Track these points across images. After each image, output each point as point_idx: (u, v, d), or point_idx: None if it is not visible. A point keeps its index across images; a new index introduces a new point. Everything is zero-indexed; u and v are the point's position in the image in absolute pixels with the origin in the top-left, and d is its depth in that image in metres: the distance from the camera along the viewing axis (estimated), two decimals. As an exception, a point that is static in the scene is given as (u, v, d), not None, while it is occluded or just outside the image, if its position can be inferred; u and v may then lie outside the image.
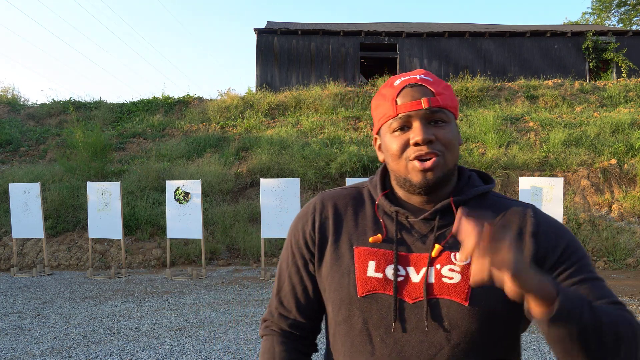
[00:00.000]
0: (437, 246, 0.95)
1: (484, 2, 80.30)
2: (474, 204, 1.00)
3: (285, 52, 18.44)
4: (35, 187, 8.71)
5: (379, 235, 0.99)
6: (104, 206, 8.48)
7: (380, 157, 1.05)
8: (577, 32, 18.66)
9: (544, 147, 11.35)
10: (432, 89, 0.96)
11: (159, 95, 17.24)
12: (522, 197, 7.87)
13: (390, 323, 0.93)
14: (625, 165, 10.68)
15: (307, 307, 1.06)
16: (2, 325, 5.47)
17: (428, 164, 0.93)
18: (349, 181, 8.08)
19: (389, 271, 0.95)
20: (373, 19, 59.40)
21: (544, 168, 10.80)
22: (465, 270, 0.92)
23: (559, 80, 16.37)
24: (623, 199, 10.13)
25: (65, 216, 10.14)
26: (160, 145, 13.10)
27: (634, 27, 28.96)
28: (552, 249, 0.95)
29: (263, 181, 8.31)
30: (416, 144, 0.94)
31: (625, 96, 15.03)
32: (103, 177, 11.51)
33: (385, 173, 1.08)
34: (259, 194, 8.40)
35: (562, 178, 8.03)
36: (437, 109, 0.95)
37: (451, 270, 0.93)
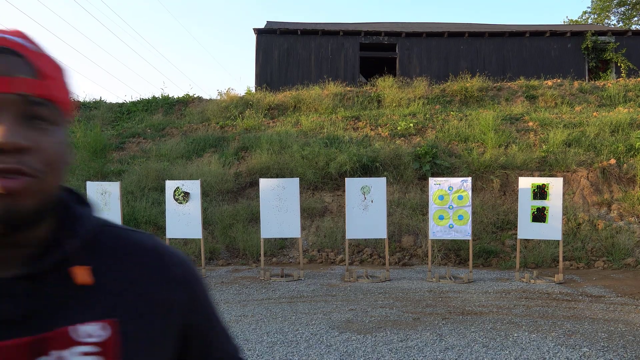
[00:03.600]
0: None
1: (483, 2, 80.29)
2: (93, 249, 0.67)
3: (284, 52, 18.45)
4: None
5: None
6: (104, 206, 8.48)
7: None
8: (577, 32, 18.68)
9: (544, 147, 11.36)
10: (36, 66, 0.59)
11: (158, 95, 17.26)
12: (521, 197, 7.88)
13: None
14: (625, 165, 10.69)
15: None
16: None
17: (13, 184, 0.55)
18: (349, 181, 8.08)
19: None
20: (372, 18, 59.46)
21: (544, 168, 10.81)
22: (107, 347, 0.60)
23: (559, 80, 16.39)
24: (622, 198, 10.14)
25: (65, 216, 10.13)
26: (160, 145, 13.10)
27: (633, 27, 28.99)
28: (190, 304, 0.73)
29: (262, 181, 8.31)
30: None
31: (625, 96, 15.05)
32: (103, 176, 11.52)
33: None
34: (259, 193, 8.40)
35: (562, 178, 8.04)
36: (42, 101, 0.58)
37: (85, 354, 0.59)
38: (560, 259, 7.77)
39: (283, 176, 10.45)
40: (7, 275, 0.59)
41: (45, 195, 0.59)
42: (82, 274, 0.62)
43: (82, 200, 0.71)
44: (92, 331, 0.60)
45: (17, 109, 0.57)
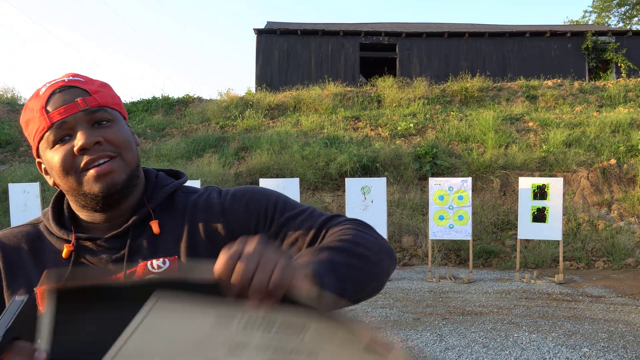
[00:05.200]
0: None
1: (483, 2, 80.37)
2: (165, 208, 0.94)
3: (285, 52, 18.45)
4: (34, 187, 8.71)
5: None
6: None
7: (50, 181, 0.90)
8: (577, 32, 18.67)
9: (544, 147, 11.36)
10: (86, 89, 0.86)
11: (158, 95, 17.25)
12: (522, 197, 7.86)
13: None
14: (625, 165, 10.68)
15: None
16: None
17: (105, 167, 0.83)
18: (349, 181, 8.08)
19: None
20: (373, 19, 59.43)
21: (544, 168, 10.81)
22: (165, 274, 0.86)
23: (559, 81, 16.37)
24: (622, 199, 10.14)
25: (65, 216, 10.14)
26: (160, 145, 13.10)
27: (633, 27, 28.99)
28: (251, 217, 0.93)
29: (263, 181, 8.31)
30: (82, 151, 0.82)
31: (625, 96, 15.04)
32: (103, 177, 11.51)
33: (60, 199, 0.96)
34: (259, 194, 8.39)
35: (562, 178, 8.04)
36: (97, 108, 0.85)
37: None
38: (561, 259, 7.77)
39: (283, 176, 10.45)
40: (109, 235, 0.88)
41: (129, 168, 0.87)
42: (154, 227, 0.89)
43: (176, 175, 1.01)
44: (160, 264, 0.87)
45: (86, 120, 0.84)
